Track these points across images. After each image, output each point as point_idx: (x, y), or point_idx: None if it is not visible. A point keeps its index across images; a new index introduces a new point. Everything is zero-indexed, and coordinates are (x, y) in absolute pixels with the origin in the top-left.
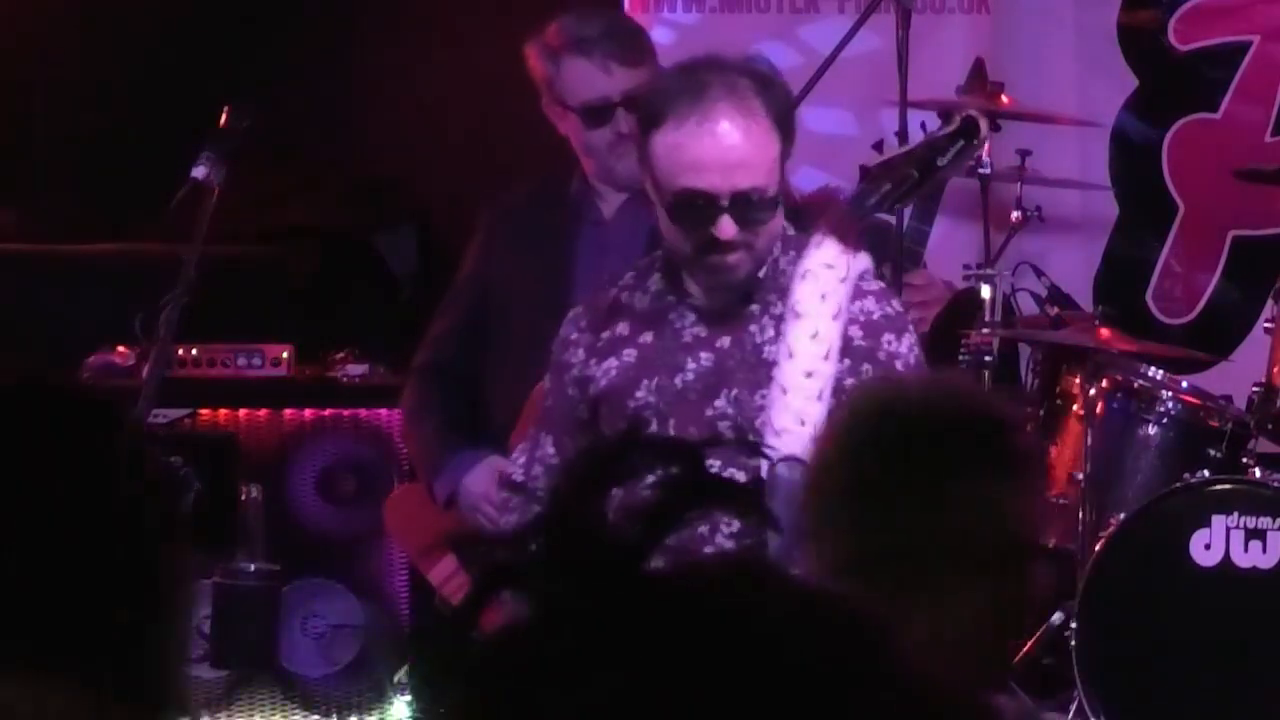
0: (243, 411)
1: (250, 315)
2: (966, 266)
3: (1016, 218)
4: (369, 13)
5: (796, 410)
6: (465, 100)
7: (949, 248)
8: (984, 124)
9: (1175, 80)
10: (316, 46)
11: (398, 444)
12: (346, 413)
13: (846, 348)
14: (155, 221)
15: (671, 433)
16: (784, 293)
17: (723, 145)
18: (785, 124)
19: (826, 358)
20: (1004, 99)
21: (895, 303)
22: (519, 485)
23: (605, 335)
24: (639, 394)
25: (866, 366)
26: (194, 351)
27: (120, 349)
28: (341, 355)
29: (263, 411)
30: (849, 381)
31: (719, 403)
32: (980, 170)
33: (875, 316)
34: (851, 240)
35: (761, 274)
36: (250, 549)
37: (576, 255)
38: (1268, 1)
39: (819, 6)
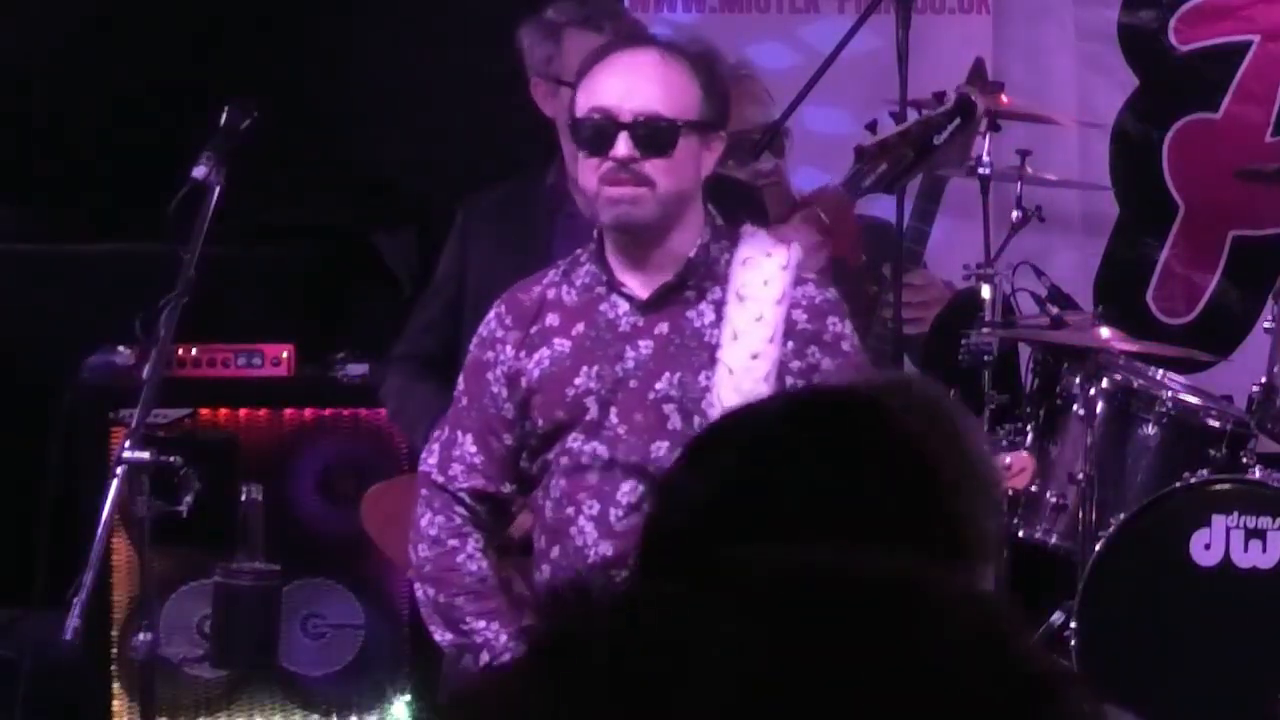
0: (243, 411)
1: (250, 315)
2: (966, 266)
3: (1016, 218)
4: (369, 12)
5: (745, 390)
6: (465, 100)
7: (949, 248)
8: (980, 103)
9: (1175, 80)
10: (316, 46)
11: (397, 443)
12: (346, 413)
13: (790, 330)
14: (155, 221)
15: (614, 418)
16: (720, 279)
17: (630, 68)
18: (713, 93)
19: (771, 340)
20: (1004, 99)
21: (832, 289)
22: (438, 484)
23: (534, 330)
24: (578, 380)
25: (813, 349)
26: (194, 351)
27: (120, 349)
28: (341, 355)
29: (263, 411)
30: (795, 364)
31: (660, 385)
32: (980, 170)
33: (818, 300)
34: (846, 224)
35: (692, 254)
36: (250, 549)
37: (553, 248)
38: (1268, 1)
39: (819, 6)
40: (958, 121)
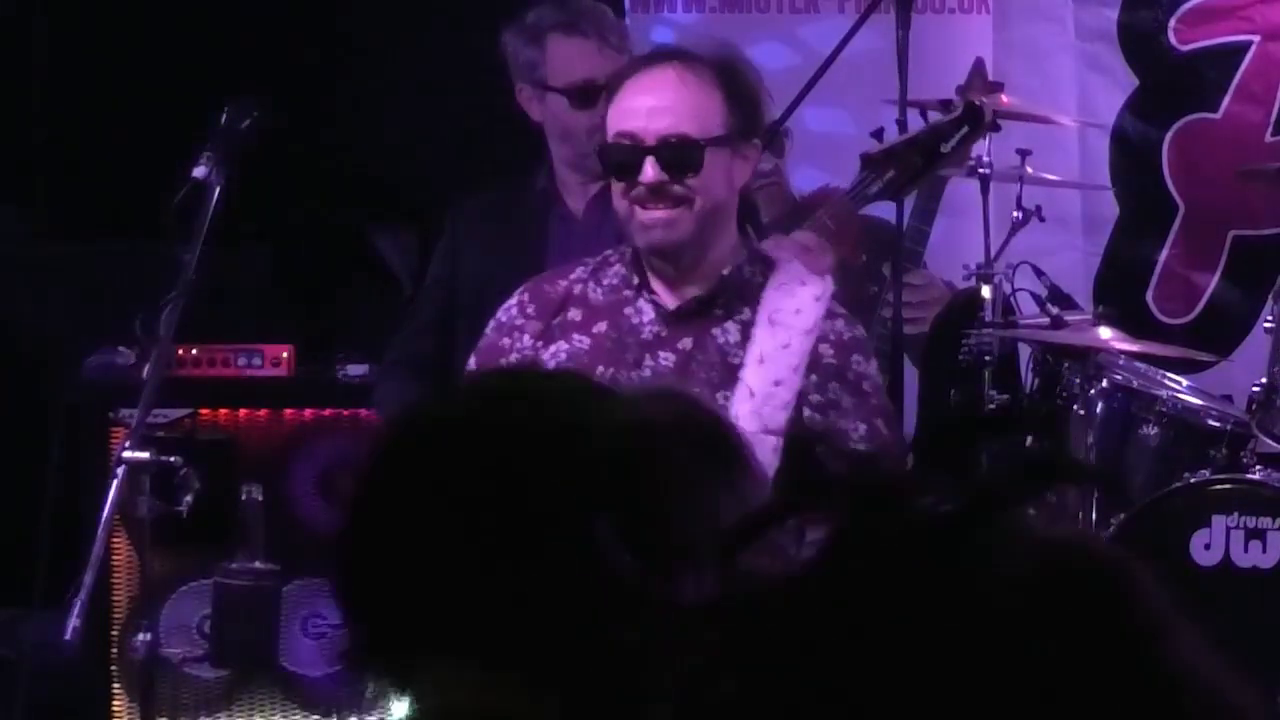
0: (243, 411)
1: (250, 315)
2: (966, 266)
3: (1016, 218)
4: (368, 12)
5: (764, 416)
6: (464, 99)
7: (949, 248)
8: (988, 110)
9: (1175, 80)
10: (316, 46)
11: None
12: (346, 413)
13: (816, 364)
14: (155, 221)
15: None
16: (750, 301)
17: (653, 91)
18: (739, 100)
19: (796, 369)
20: (1004, 99)
21: (859, 327)
22: None
23: (555, 321)
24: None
25: (834, 384)
26: (194, 351)
27: (120, 349)
28: (341, 355)
29: (263, 411)
30: (815, 398)
31: None
32: (980, 170)
33: (845, 337)
34: (845, 229)
35: (726, 272)
36: (250, 549)
37: (547, 250)
38: (1268, 1)
39: (819, 6)
40: (965, 130)
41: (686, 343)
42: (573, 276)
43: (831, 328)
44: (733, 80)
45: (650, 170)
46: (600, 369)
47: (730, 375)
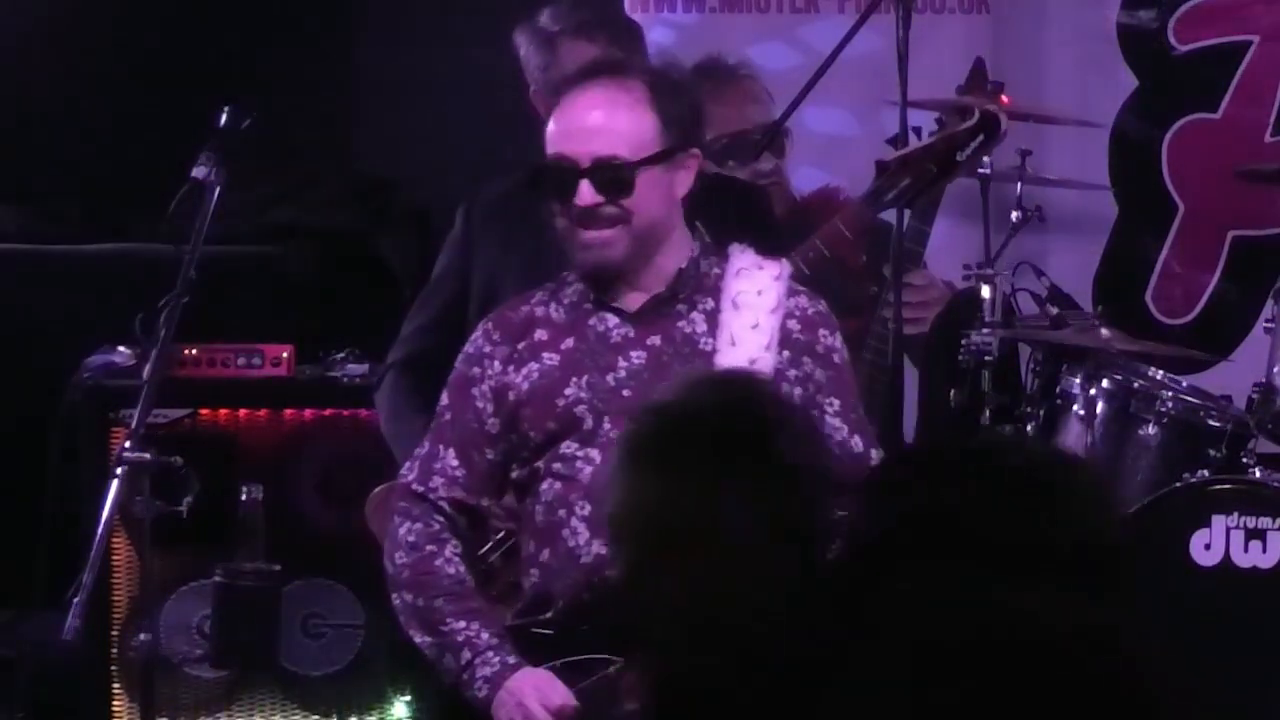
0: (243, 411)
1: (250, 315)
2: (966, 266)
3: (1016, 218)
4: (369, 13)
5: None
6: (465, 100)
7: (949, 248)
8: (1004, 119)
9: (1175, 80)
10: (316, 46)
11: None
12: (346, 413)
13: (785, 340)
14: (155, 221)
15: (607, 425)
16: (711, 291)
17: (585, 111)
18: (672, 115)
19: (768, 348)
20: (1004, 99)
21: (823, 302)
22: (418, 494)
23: (522, 345)
24: (568, 391)
25: (806, 359)
26: (194, 351)
27: (120, 349)
28: (341, 355)
29: (263, 411)
30: (791, 373)
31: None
32: (980, 170)
33: (810, 312)
34: (860, 236)
35: (682, 266)
36: (250, 549)
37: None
38: (1268, 1)
39: (819, 6)
40: (981, 139)
41: (655, 339)
42: (533, 300)
43: (796, 304)
44: (665, 95)
45: (585, 193)
46: (574, 379)
47: (705, 363)
